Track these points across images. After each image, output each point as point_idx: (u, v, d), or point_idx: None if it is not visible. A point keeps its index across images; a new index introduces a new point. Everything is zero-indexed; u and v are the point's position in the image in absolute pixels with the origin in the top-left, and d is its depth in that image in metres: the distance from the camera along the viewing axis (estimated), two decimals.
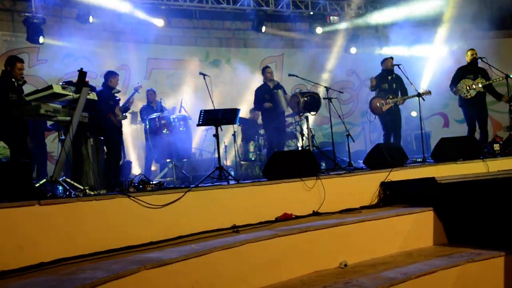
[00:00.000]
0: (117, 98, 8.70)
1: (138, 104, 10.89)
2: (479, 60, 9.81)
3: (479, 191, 5.76)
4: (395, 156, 7.77)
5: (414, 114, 13.49)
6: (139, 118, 10.72)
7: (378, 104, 9.88)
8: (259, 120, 11.66)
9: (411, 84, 9.34)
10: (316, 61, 15.22)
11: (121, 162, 8.93)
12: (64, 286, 3.43)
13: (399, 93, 10.01)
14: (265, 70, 10.02)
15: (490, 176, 6.61)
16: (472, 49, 9.99)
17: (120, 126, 8.66)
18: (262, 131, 11.21)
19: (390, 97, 9.83)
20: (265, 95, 9.76)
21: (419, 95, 9.02)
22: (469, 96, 9.68)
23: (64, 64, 11.96)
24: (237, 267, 4.61)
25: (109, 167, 8.23)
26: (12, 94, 6.76)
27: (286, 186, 6.36)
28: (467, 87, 9.69)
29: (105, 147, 8.34)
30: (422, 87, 13.75)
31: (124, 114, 8.93)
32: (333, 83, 13.65)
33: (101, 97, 7.76)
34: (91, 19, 11.73)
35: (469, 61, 9.90)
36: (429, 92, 9.43)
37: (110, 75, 8.66)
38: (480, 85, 9.63)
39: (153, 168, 10.66)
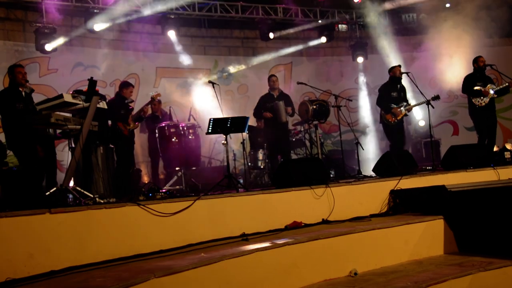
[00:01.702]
0: (130, 107, 8.75)
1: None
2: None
3: (490, 199, 5.73)
4: (404, 164, 7.74)
5: (422, 123, 13.47)
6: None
7: (392, 117, 9.76)
8: None
9: (420, 92, 9.32)
10: (324, 69, 15.24)
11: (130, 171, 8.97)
12: None
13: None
14: (269, 79, 9.99)
15: (501, 184, 6.56)
16: (481, 56, 9.95)
17: (130, 135, 8.71)
18: None
19: (404, 104, 9.75)
20: (267, 104, 9.72)
21: (428, 102, 8.99)
22: (483, 104, 9.62)
23: (74, 73, 12.04)
24: (246, 275, 4.60)
25: (119, 176, 8.26)
26: (19, 103, 6.82)
27: (295, 194, 6.35)
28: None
29: (115, 156, 8.38)
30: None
31: (136, 123, 8.96)
32: (341, 91, 13.64)
33: (111, 106, 7.81)
34: (98, 28, 11.79)
35: (477, 68, 9.84)
36: (437, 97, 9.39)
37: (124, 86, 8.84)
38: (491, 92, 9.59)
39: (161, 176, 10.67)
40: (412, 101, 10.04)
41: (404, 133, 10.00)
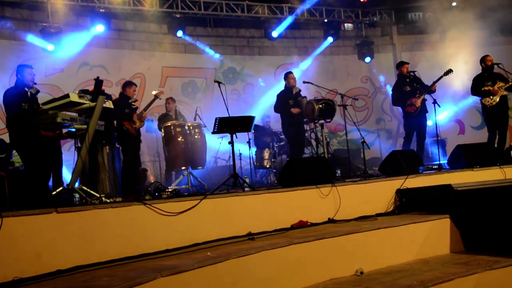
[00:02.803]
0: (134, 106, 8.77)
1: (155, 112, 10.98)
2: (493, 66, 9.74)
3: (496, 198, 5.71)
4: (411, 163, 7.72)
5: (429, 123, 13.44)
6: (154, 126, 10.75)
7: (411, 107, 9.61)
8: (275, 127, 11.66)
9: (427, 91, 9.29)
10: (330, 68, 15.22)
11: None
12: None
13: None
14: (287, 76, 9.91)
15: (507, 183, 6.53)
16: (488, 55, 9.90)
17: (137, 135, 8.72)
18: (276, 138, 11.21)
19: (418, 92, 9.63)
20: (289, 100, 9.68)
21: (435, 102, 8.96)
22: (494, 103, 9.56)
23: (80, 72, 12.08)
24: (252, 274, 4.60)
25: (126, 175, 8.28)
26: (25, 104, 6.84)
27: (301, 193, 6.34)
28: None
29: (121, 155, 8.40)
30: None
31: (142, 122, 8.97)
32: (347, 90, 13.63)
33: (116, 105, 7.83)
34: (102, 28, 11.83)
35: (485, 67, 9.79)
36: (450, 70, 9.34)
37: (126, 85, 8.85)
38: (503, 89, 9.53)
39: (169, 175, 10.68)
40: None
41: (425, 132, 9.85)
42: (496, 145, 9.44)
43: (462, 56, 13.91)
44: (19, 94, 6.92)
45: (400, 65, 10.06)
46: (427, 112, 9.76)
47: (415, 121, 9.65)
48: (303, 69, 14.77)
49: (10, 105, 6.90)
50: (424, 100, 9.61)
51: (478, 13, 13.37)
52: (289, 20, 14.07)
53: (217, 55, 14.10)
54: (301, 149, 9.98)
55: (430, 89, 9.47)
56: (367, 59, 14.99)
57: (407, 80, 9.75)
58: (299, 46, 15.23)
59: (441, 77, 9.26)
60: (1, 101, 7.42)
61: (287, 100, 9.68)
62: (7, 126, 7.08)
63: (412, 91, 9.62)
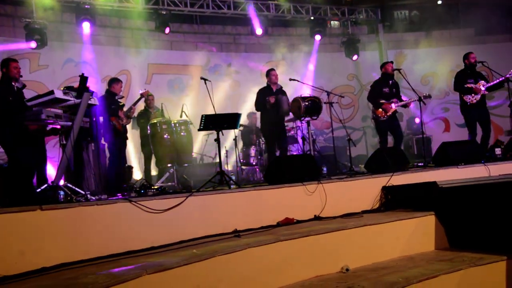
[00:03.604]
0: (121, 103, 8.72)
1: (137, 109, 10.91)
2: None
3: (481, 195, 5.75)
4: (396, 161, 7.76)
5: (417, 120, 13.55)
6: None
7: (382, 112, 9.69)
8: (258, 124, 11.64)
9: (412, 89, 9.34)
10: (317, 66, 15.23)
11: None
12: None
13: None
14: (269, 73, 9.85)
15: (491, 180, 6.59)
16: (472, 53, 9.96)
17: (123, 131, 8.67)
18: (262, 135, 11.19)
19: (394, 100, 9.74)
20: (267, 97, 9.64)
21: (420, 99, 9.00)
22: (475, 101, 9.63)
23: (65, 69, 11.98)
24: (238, 272, 4.59)
25: (111, 172, 8.23)
26: (10, 97, 6.75)
27: (287, 190, 6.35)
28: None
29: (107, 152, 8.35)
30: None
31: (129, 119, 8.92)
32: (333, 88, 13.66)
33: (103, 102, 7.78)
34: (88, 25, 11.72)
35: (468, 64, 9.85)
36: (429, 96, 9.44)
37: (113, 82, 8.81)
38: (483, 88, 9.60)
39: (154, 173, 10.64)
40: (404, 98, 9.97)
41: (400, 130, 9.97)
42: (480, 142, 9.52)
43: (447, 53, 14.02)
44: (5, 88, 6.83)
45: (384, 64, 10.13)
46: (396, 120, 9.89)
47: (386, 123, 9.76)
48: (290, 66, 14.76)
49: None
50: (395, 112, 9.73)
51: (463, 12, 13.47)
52: (256, 15, 13.97)
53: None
54: (283, 148, 9.88)
55: (406, 105, 9.75)
56: (354, 57, 15.02)
57: (389, 82, 9.84)
58: (286, 44, 15.21)
59: (420, 99, 9.20)
60: None
61: (266, 96, 9.63)
62: None
63: (389, 95, 9.74)
